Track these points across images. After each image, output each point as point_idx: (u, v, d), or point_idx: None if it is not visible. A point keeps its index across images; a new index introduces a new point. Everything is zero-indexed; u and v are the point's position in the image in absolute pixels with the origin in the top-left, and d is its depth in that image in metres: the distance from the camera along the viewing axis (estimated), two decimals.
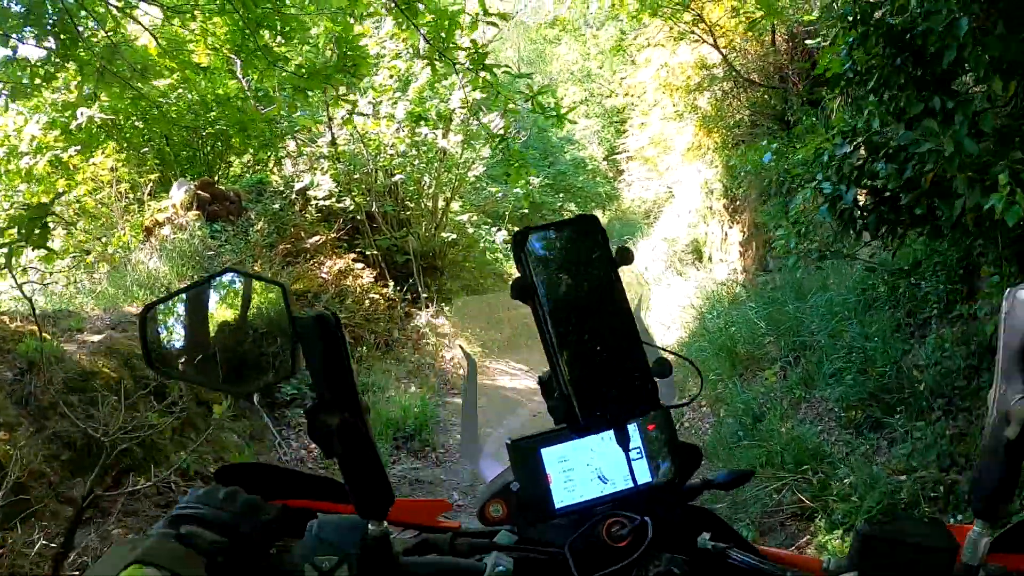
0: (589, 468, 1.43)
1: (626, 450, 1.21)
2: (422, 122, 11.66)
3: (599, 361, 1.11)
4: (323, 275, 10.31)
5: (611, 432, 1.21)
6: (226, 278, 1.43)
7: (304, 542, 1.25)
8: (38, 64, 6.88)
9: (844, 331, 7.17)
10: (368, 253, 12.13)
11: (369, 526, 1.24)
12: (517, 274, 1.14)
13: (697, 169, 13.33)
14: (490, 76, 6.01)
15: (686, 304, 11.26)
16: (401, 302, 12.10)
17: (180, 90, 10.91)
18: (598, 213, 29.08)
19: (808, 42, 9.21)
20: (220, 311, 1.43)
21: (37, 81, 7.03)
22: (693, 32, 10.73)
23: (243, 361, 1.40)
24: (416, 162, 12.48)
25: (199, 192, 10.54)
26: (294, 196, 11.59)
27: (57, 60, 6.74)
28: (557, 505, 1.40)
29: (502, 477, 1.51)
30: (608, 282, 1.12)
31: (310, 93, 6.04)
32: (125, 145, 11.63)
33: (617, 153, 25.01)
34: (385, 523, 1.25)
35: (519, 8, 16.46)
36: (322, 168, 11.72)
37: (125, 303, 8.13)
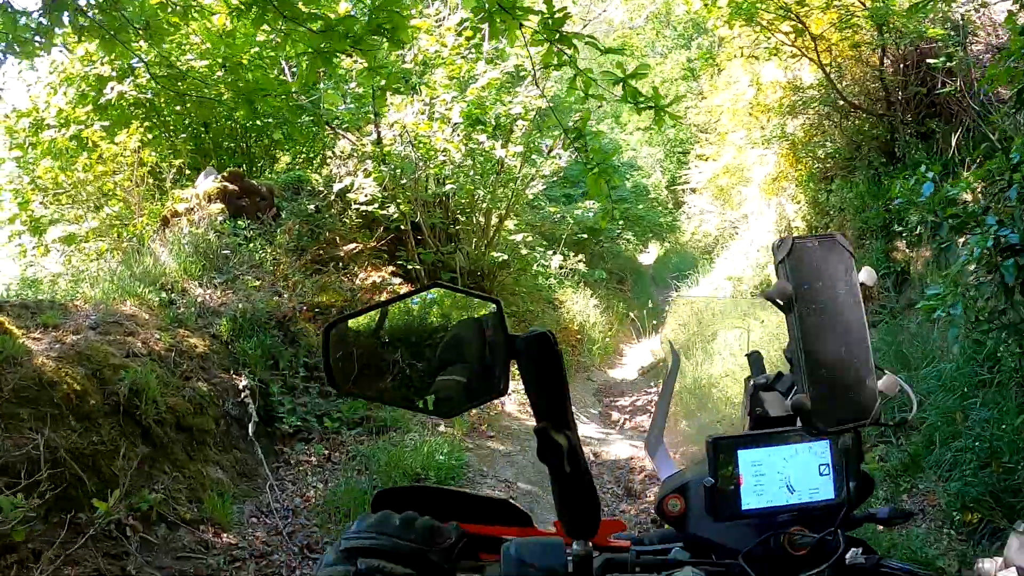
0: (779, 476, 1.39)
1: (845, 457, 1.30)
2: (479, 126, 10.28)
3: (839, 372, 1.15)
4: (353, 288, 8.99)
5: (805, 444, 1.37)
6: (431, 293, 1.33)
7: (502, 564, 1.19)
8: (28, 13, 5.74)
9: (963, 411, 5.68)
10: (410, 267, 10.80)
11: (575, 546, 1.19)
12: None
13: (778, 202, 11.84)
14: (567, 48, 4.68)
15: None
16: None
17: (222, 73, 9.75)
18: (655, 245, 27.86)
19: (931, 61, 7.72)
20: (422, 327, 1.33)
21: (34, 36, 5.87)
22: (793, 46, 9.20)
23: (446, 381, 1.27)
24: (471, 172, 11.11)
25: (226, 184, 9.30)
26: (333, 198, 10.29)
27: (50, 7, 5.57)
28: (744, 506, 1.38)
29: (681, 475, 1.52)
30: (853, 300, 1.18)
31: (336, 60, 4.69)
32: (158, 127, 10.49)
33: (679, 184, 23.44)
34: (590, 545, 1.20)
35: (587, 23, 14.99)
36: (365, 170, 10.39)
37: (119, 300, 6.88)
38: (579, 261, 16.94)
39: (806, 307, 1.15)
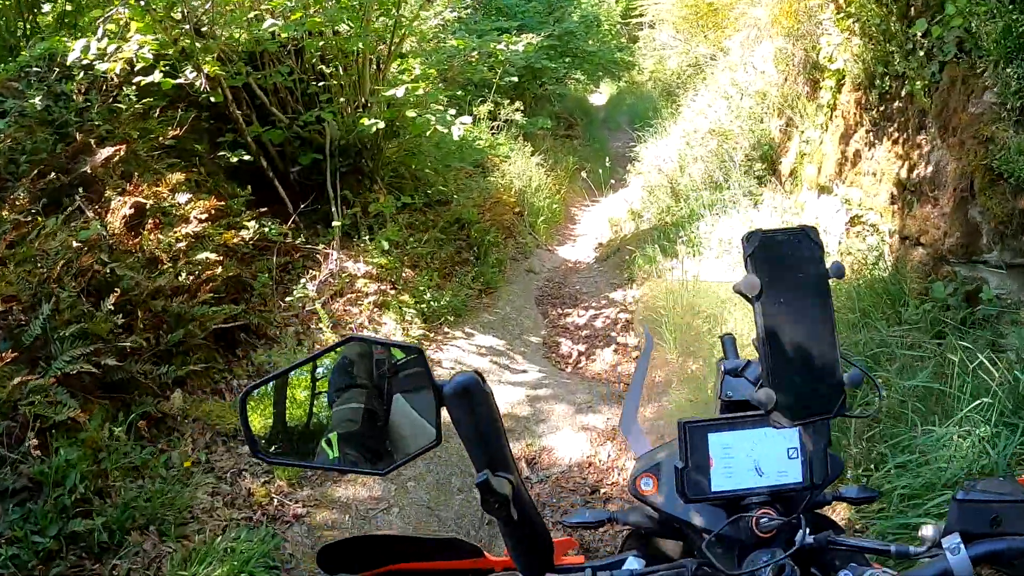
0: (749, 459, 1.35)
1: (813, 445, 1.21)
2: None
3: (804, 367, 1.10)
4: (54, 250, 4.63)
5: (773, 429, 1.24)
6: (348, 347, 1.19)
7: None
8: None
9: None
10: (234, 160, 6.57)
11: None
12: None
13: (803, 32, 7.51)
14: None
15: None
16: (295, 237, 6.64)
17: None
18: (607, 84, 23.43)
19: None
20: (342, 384, 1.18)
21: None
22: None
23: (376, 437, 1.17)
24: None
25: None
26: (80, 76, 5.85)
27: None
28: (714, 488, 1.33)
29: (652, 454, 1.49)
30: (821, 294, 1.13)
31: None
32: None
33: (634, 16, 18.79)
34: None
35: None
36: (115, 15, 5.99)
37: None
38: (515, 110, 12.79)
39: (772, 300, 1.10)
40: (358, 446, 1.15)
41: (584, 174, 14.49)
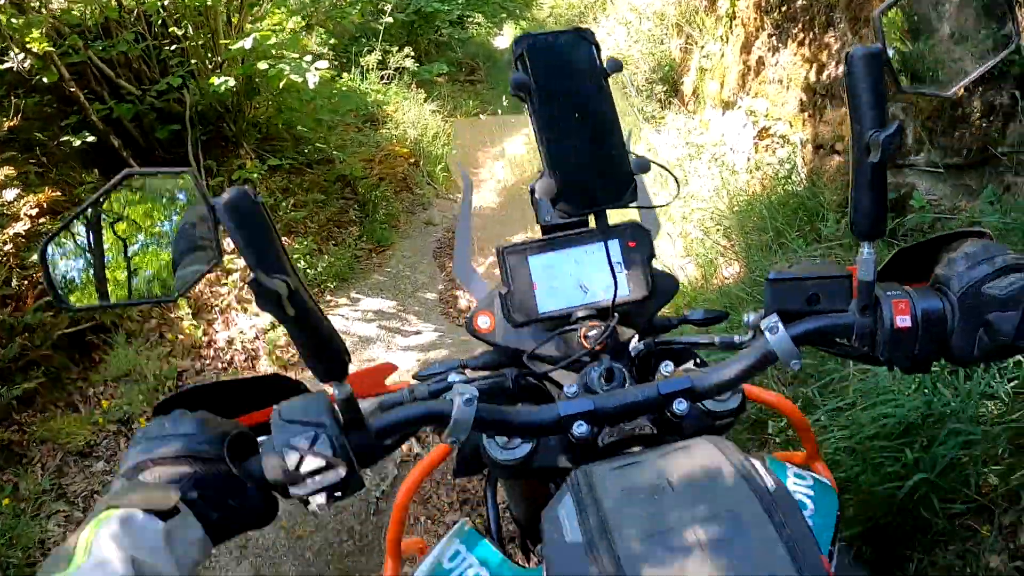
0: (572, 278, 1.39)
1: (606, 238, 1.30)
2: None
3: (584, 156, 1.11)
4: None
5: (595, 245, 1.36)
6: (126, 182, 1.13)
7: (273, 433, 1.02)
8: None
9: None
10: (77, 143, 5.84)
11: (334, 392, 1.05)
12: None
13: None
14: None
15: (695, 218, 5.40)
16: None
17: None
18: (510, 24, 22.68)
19: None
20: (128, 219, 1.17)
21: None
22: None
23: (165, 264, 1.16)
24: None
25: None
26: None
27: None
28: (541, 309, 1.38)
29: (490, 294, 1.47)
30: (597, 88, 1.12)
31: None
32: None
33: None
34: (348, 385, 1.06)
35: None
36: None
37: None
38: (406, 57, 12.07)
39: (547, 98, 1.08)
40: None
41: (483, 117, 13.89)
